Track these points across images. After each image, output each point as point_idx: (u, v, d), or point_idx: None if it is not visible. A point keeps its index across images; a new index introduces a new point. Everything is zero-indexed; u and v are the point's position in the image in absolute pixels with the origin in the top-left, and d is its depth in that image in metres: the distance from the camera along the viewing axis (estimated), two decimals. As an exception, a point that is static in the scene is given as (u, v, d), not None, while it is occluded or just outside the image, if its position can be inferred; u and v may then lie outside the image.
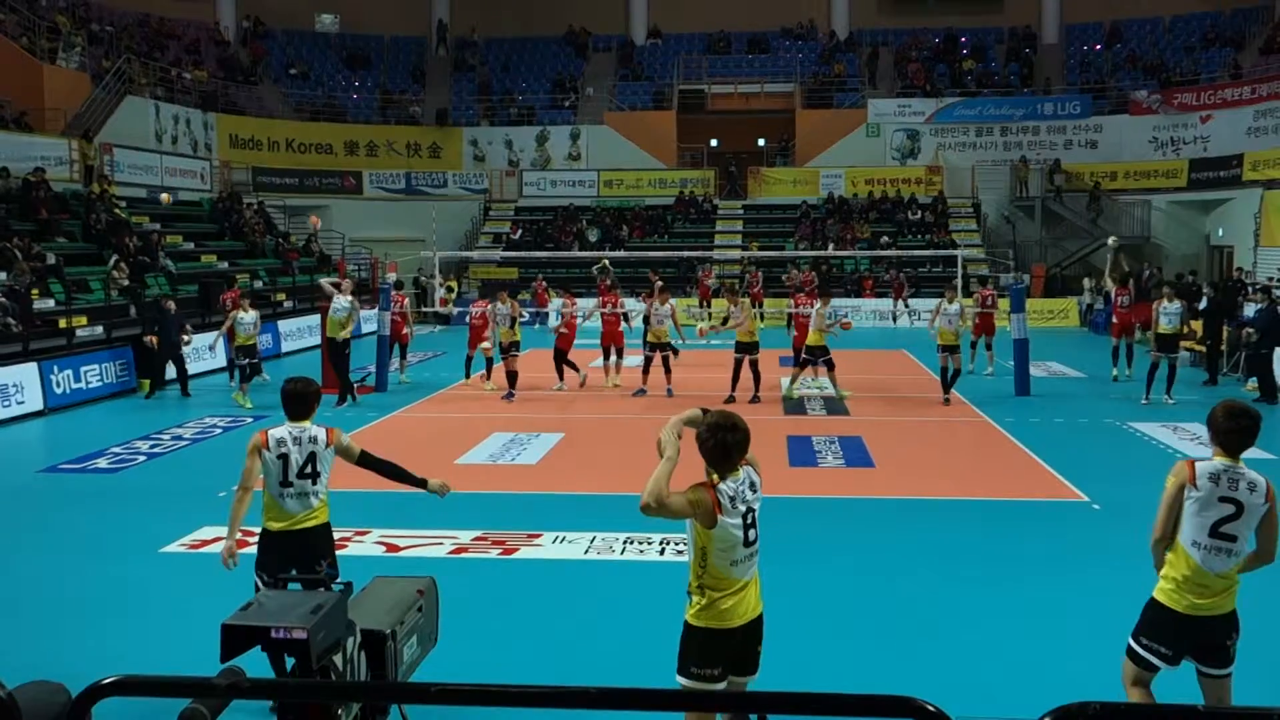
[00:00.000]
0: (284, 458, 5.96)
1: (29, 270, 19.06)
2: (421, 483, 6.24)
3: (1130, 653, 5.18)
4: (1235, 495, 4.94)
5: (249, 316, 17.34)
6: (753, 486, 4.78)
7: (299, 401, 6.15)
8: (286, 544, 5.99)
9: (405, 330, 19.12)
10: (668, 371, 17.60)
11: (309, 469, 5.98)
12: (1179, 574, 5.03)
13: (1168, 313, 16.42)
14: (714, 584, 4.73)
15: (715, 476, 4.72)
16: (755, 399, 16.60)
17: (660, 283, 19.41)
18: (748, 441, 4.76)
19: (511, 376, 17.35)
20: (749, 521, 4.74)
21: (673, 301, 18.22)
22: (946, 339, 16.59)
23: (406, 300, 19.82)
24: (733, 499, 4.69)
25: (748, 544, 4.74)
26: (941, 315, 16.65)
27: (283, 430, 6.06)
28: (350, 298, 17.12)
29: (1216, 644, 5.04)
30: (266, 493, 6.01)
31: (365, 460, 6.20)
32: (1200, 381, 18.63)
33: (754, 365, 16.80)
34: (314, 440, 6.02)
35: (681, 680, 4.78)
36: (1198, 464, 5.05)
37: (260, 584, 5.91)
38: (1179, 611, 5.01)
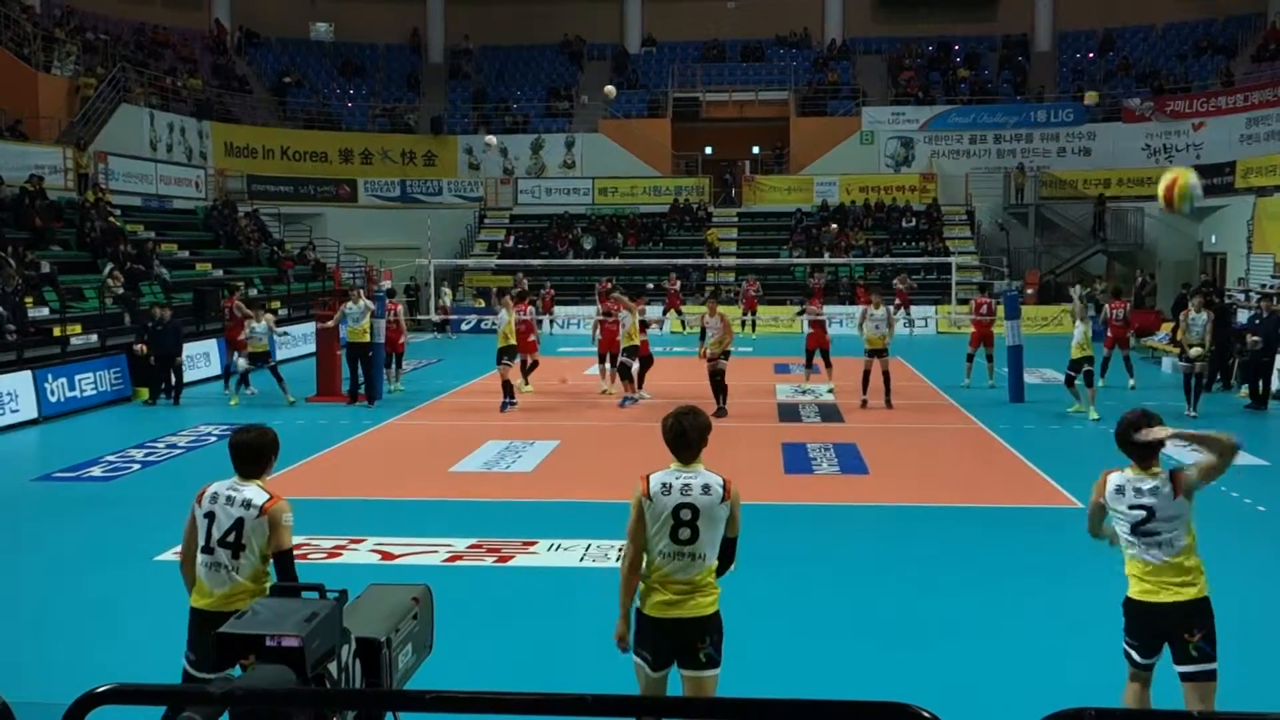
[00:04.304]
0: (210, 517, 4.97)
1: (19, 277, 19.01)
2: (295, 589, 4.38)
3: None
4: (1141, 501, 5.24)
5: (261, 326, 18.00)
6: (705, 489, 4.79)
7: (250, 456, 5.09)
8: (211, 627, 4.73)
9: (400, 339, 19.16)
10: (628, 379, 17.33)
11: (231, 538, 4.92)
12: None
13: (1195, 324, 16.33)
14: (648, 565, 4.86)
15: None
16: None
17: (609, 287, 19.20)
18: (703, 430, 4.91)
19: (506, 386, 17.10)
20: (682, 519, 4.75)
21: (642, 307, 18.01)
22: (874, 343, 16.82)
23: (401, 308, 19.88)
24: (666, 485, 4.80)
25: (677, 541, 4.75)
26: (869, 320, 16.90)
27: (222, 486, 5.05)
28: (365, 302, 17.59)
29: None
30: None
31: (281, 560, 4.95)
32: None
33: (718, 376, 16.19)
34: (247, 505, 4.95)
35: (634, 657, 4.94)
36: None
37: (187, 667, 4.96)
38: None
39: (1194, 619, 5.11)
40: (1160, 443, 5.17)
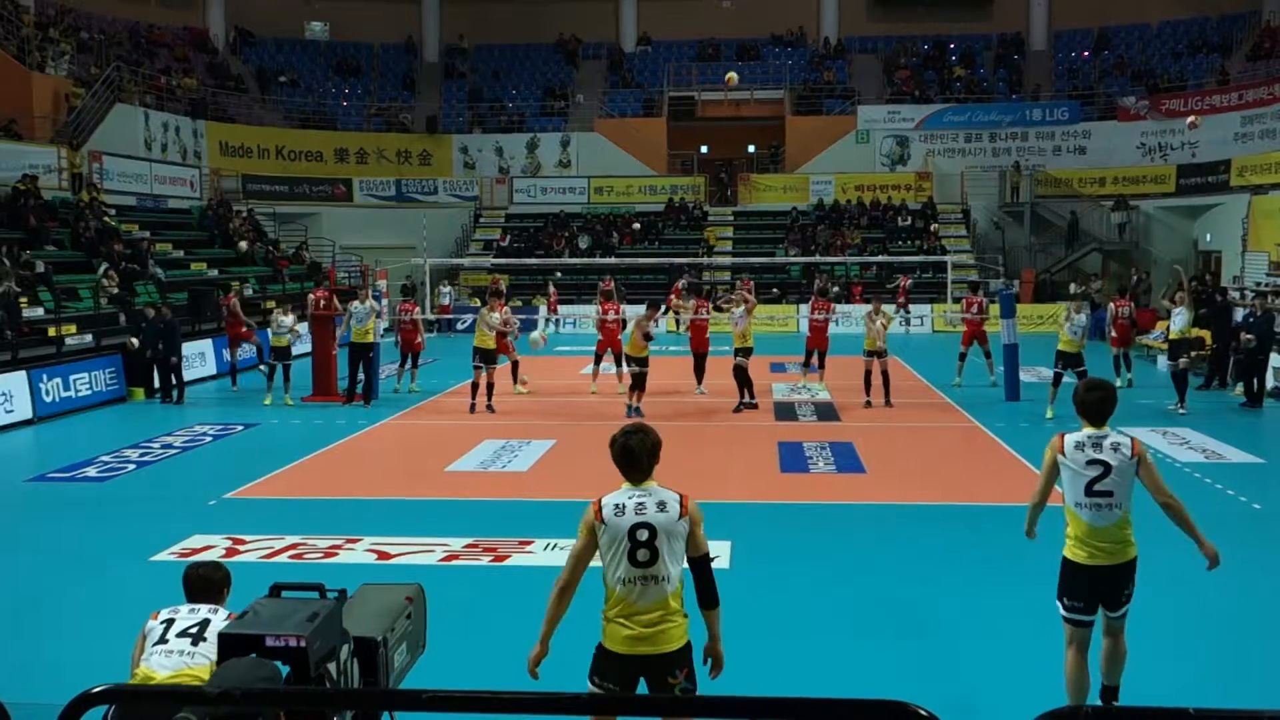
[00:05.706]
0: (169, 622, 4.95)
1: (13, 275, 18.96)
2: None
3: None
4: (1100, 457, 5.53)
5: (288, 320, 18.03)
6: (661, 506, 4.56)
7: (201, 588, 5.18)
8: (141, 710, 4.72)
9: (419, 339, 19.05)
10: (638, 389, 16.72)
11: (194, 630, 4.92)
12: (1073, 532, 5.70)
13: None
14: (608, 598, 4.63)
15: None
16: (739, 407, 16.59)
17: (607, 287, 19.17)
18: (653, 448, 4.66)
19: (490, 387, 16.82)
20: (639, 539, 4.50)
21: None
22: (874, 344, 17.15)
23: (417, 309, 19.78)
24: (619, 507, 4.58)
25: (636, 564, 4.51)
26: (875, 323, 17.25)
27: (181, 606, 5.14)
28: (370, 302, 17.58)
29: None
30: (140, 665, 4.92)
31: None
32: (1195, 386, 18.63)
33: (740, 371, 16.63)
34: (214, 611, 5.07)
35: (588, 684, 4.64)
36: (1066, 436, 5.67)
37: None
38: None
39: (1129, 577, 5.61)
40: (1112, 406, 5.60)
